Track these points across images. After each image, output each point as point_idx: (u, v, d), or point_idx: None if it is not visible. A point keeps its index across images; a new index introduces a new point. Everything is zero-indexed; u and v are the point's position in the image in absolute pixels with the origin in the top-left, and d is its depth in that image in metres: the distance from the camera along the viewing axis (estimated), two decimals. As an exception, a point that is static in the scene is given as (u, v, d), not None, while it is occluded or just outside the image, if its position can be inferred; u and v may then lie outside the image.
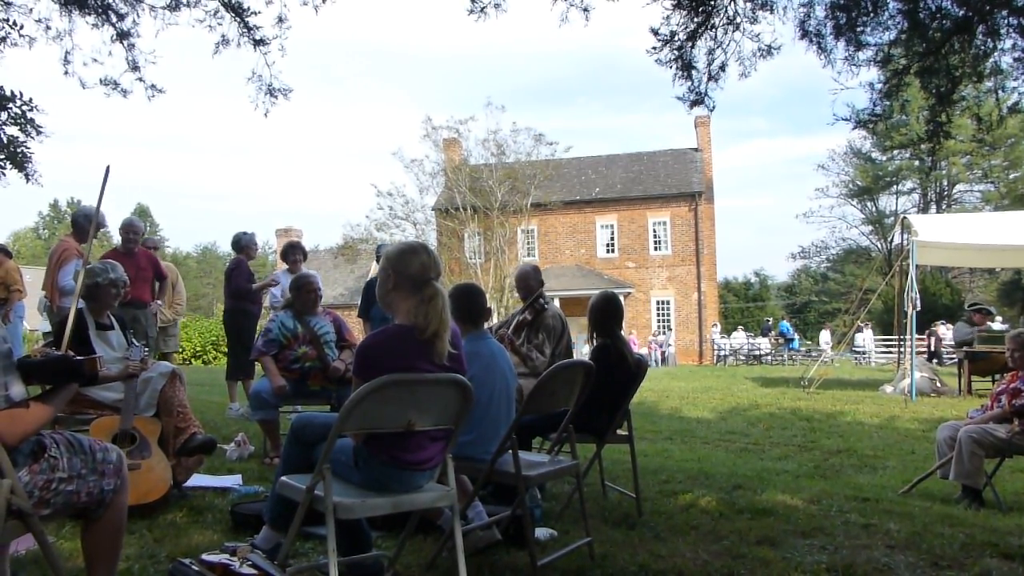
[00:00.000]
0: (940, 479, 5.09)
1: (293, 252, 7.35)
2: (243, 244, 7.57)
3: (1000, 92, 5.69)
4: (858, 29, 5.08)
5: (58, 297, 6.29)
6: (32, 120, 6.08)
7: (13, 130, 6.08)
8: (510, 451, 3.00)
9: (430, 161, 31.73)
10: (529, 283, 5.25)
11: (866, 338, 26.67)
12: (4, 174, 6.15)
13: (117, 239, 7.31)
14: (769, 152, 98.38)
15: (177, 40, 23.95)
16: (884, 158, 44.36)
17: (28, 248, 55.98)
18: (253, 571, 2.76)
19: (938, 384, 12.47)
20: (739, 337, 30.46)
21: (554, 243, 32.48)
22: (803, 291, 59.90)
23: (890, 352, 23.24)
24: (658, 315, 31.41)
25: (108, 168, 3.96)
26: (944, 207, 42.69)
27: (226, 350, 8.60)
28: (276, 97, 6.99)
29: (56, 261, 6.34)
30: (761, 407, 10.82)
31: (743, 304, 59.58)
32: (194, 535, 3.39)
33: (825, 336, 21.50)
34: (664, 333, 30.36)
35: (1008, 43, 4.91)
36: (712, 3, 5.29)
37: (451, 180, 31.12)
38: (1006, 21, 4.81)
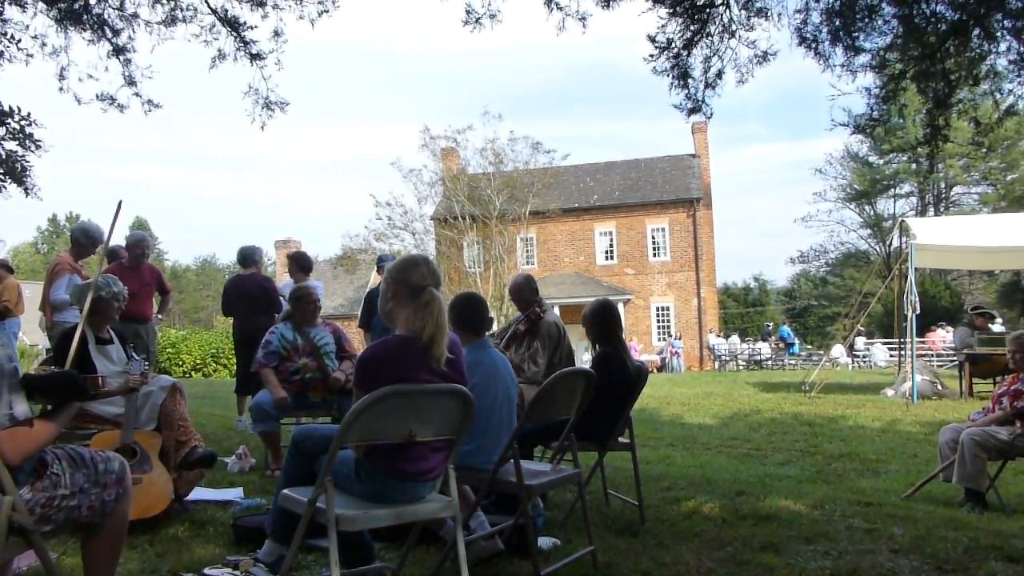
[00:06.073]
0: (943, 482, 5.09)
1: (297, 262, 7.34)
2: (256, 258, 7.43)
3: (997, 94, 5.73)
4: (854, 34, 5.11)
5: (50, 312, 6.24)
6: (31, 135, 6.11)
7: (12, 145, 6.11)
8: (512, 460, 3.00)
9: (428, 171, 31.84)
10: (523, 294, 5.22)
11: (876, 350, 26.56)
12: (4, 187, 6.17)
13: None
14: (767, 157, 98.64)
15: (174, 54, 24.05)
16: (881, 162, 44.38)
17: (27, 263, 55.92)
18: (256, 584, 2.75)
19: (939, 387, 12.46)
20: (736, 341, 30.38)
21: (553, 251, 32.49)
22: (803, 295, 59.89)
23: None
24: (658, 321, 31.39)
25: (120, 203, 3.95)
26: (942, 210, 42.66)
27: (226, 363, 8.53)
28: (273, 110, 7.03)
29: (49, 276, 6.31)
30: (763, 412, 10.80)
31: (743, 309, 59.59)
32: (196, 549, 3.38)
33: (838, 349, 21.48)
34: (669, 339, 30.28)
35: (1003, 46, 4.95)
36: (708, 11, 5.32)
37: (449, 189, 31.15)
38: (1001, 24, 4.83)
